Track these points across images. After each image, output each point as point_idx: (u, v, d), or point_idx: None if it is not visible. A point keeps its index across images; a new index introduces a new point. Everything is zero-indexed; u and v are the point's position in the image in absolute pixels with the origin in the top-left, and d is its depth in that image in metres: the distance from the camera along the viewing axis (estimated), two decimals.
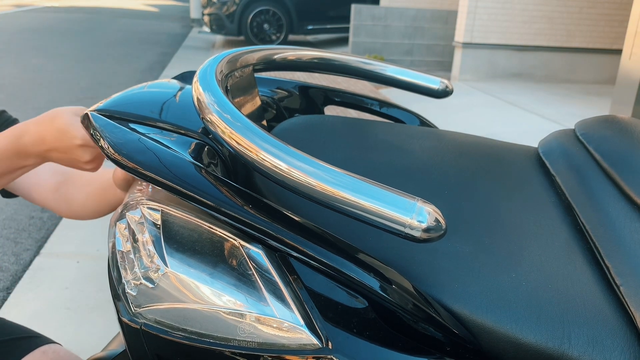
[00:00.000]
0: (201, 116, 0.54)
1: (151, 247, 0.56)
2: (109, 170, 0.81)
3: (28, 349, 0.86)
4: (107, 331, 1.66)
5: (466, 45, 5.79)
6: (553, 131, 0.88)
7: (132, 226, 0.59)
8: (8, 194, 0.90)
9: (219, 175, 0.58)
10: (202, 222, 0.56)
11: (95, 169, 0.72)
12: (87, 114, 0.62)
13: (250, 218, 0.50)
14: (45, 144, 0.67)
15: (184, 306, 0.54)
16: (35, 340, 0.89)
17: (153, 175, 0.52)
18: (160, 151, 0.56)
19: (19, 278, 2.00)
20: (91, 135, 0.60)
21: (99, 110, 0.63)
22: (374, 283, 0.50)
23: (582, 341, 0.49)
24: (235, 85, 0.72)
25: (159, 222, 0.57)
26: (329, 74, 0.94)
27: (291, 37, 8.59)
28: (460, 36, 5.79)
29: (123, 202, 0.64)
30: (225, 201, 0.51)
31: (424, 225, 0.44)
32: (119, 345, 0.78)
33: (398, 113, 1.05)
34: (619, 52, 4.83)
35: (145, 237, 0.57)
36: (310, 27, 8.28)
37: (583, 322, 0.51)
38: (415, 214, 0.44)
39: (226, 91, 0.59)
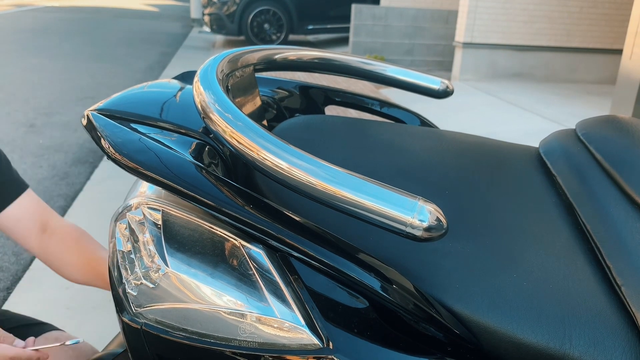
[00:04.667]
0: (202, 116, 0.54)
1: (152, 247, 0.56)
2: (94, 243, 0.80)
3: (37, 334, 0.87)
4: (107, 331, 1.66)
5: (467, 45, 5.78)
6: (554, 131, 0.88)
7: (132, 226, 0.59)
8: None
9: (219, 175, 0.58)
10: (202, 222, 0.56)
11: None
12: (87, 113, 0.62)
13: (251, 218, 0.50)
14: None
15: (184, 306, 0.54)
16: (43, 326, 0.91)
17: (154, 175, 0.52)
18: (160, 151, 0.56)
19: (19, 278, 2.00)
20: (92, 135, 0.60)
21: (99, 110, 0.63)
22: (374, 283, 0.50)
23: (584, 341, 0.49)
24: (236, 85, 0.72)
25: (160, 222, 0.57)
26: (329, 74, 0.94)
27: (291, 37, 8.59)
28: (460, 36, 5.79)
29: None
30: (226, 201, 0.51)
31: (425, 225, 0.44)
32: (120, 345, 0.78)
33: (398, 113, 1.05)
34: (619, 52, 4.83)
35: (146, 237, 0.57)
36: (310, 27, 8.28)
37: (584, 323, 0.50)
38: (417, 213, 0.44)
39: (227, 91, 0.59)
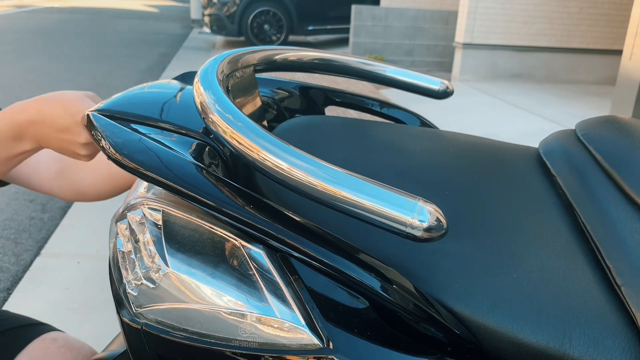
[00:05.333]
0: (202, 116, 0.54)
1: (152, 247, 0.56)
2: None
3: (35, 335, 0.86)
4: (107, 331, 1.66)
5: (466, 45, 5.79)
6: (554, 132, 0.88)
7: (133, 226, 0.59)
8: (1, 182, 0.85)
9: (220, 175, 0.58)
10: (203, 222, 0.56)
11: (90, 158, 0.69)
12: (88, 114, 0.62)
13: (251, 218, 0.50)
14: (44, 123, 0.64)
15: (185, 306, 0.54)
16: (41, 327, 0.89)
17: (154, 176, 0.52)
18: (161, 151, 0.56)
19: (20, 278, 2.00)
20: (92, 135, 0.60)
21: (99, 111, 0.63)
22: (375, 283, 0.50)
23: (583, 341, 0.49)
24: (236, 86, 0.73)
25: (160, 222, 0.57)
26: (329, 74, 0.94)
27: (291, 37, 8.60)
28: (460, 37, 5.80)
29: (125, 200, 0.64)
30: (226, 201, 0.51)
31: (425, 225, 0.44)
32: (120, 345, 0.78)
33: (398, 113, 1.05)
34: (619, 52, 4.84)
35: (146, 237, 0.57)
36: (310, 27, 8.29)
37: (584, 323, 0.51)
38: (417, 214, 0.44)
39: (227, 91, 0.59)
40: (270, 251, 0.53)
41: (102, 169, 0.86)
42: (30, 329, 0.87)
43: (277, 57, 0.86)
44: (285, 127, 0.80)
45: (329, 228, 0.54)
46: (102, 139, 0.57)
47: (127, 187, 0.87)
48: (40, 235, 2.34)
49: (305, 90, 1.00)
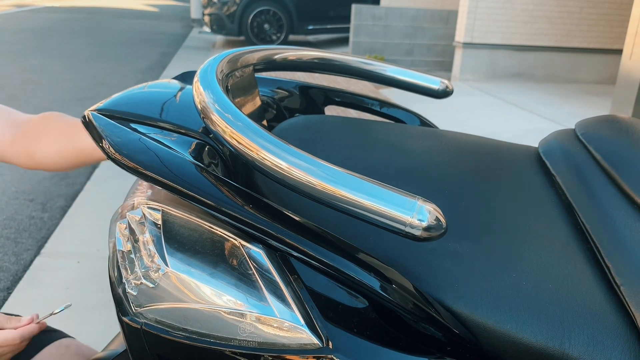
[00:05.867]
0: (202, 116, 0.54)
1: (152, 247, 0.56)
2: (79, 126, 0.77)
3: (49, 341, 0.86)
4: (107, 331, 1.66)
5: (466, 45, 5.79)
6: (553, 131, 0.88)
7: (132, 226, 0.59)
8: None
9: (219, 175, 0.58)
10: (202, 221, 0.56)
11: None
12: (87, 114, 0.62)
13: (250, 218, 0.50)
14: None
15: (184, 306, 0.54)
16: (55, 334, 0.90)
17: (154, 175, 0.52)
18: (160, 151, 0.56)
19: (20, 278, 2.00)
20: (92, 135, 0.60)
21: (99, 110, 0.63)
22: (374, 283, 0.50)
23: (583, 341, 0.49)
24: (236, 85, 0.73)
25: (160, 222, 0.57)
26: (329, 74, 0.94)
27: (292, 37, 8.60)
28: (460, 36, 5.79)
29: (123, 202, 0.64)
30: (225, 201, 0.51)
31: (424, 224, 0.44)
32: (120, 345, 0.78)
33: (398, 113, 1.05)
34: (619, 52, 4.84)
35: (145, 237, 0.57)
36: (310, 27, 8.28)
37: (583, 322, 0.51)
38: (416, 213, 0.44)
39: (227, 91, 0.59)
40: (270, 251, 0.53)
41: (61, 140, 0.82)
42: (44, 335, 0.88)
43: (276, 56, 0.86)
44: (285, 126, 0.80)
45: (329, 228, 0.54)
46: (102, 139, 0.57)
47: (91, 161, 0.83)
48: (40, 234, 2.34)
49: (305, 89, 1.00)
